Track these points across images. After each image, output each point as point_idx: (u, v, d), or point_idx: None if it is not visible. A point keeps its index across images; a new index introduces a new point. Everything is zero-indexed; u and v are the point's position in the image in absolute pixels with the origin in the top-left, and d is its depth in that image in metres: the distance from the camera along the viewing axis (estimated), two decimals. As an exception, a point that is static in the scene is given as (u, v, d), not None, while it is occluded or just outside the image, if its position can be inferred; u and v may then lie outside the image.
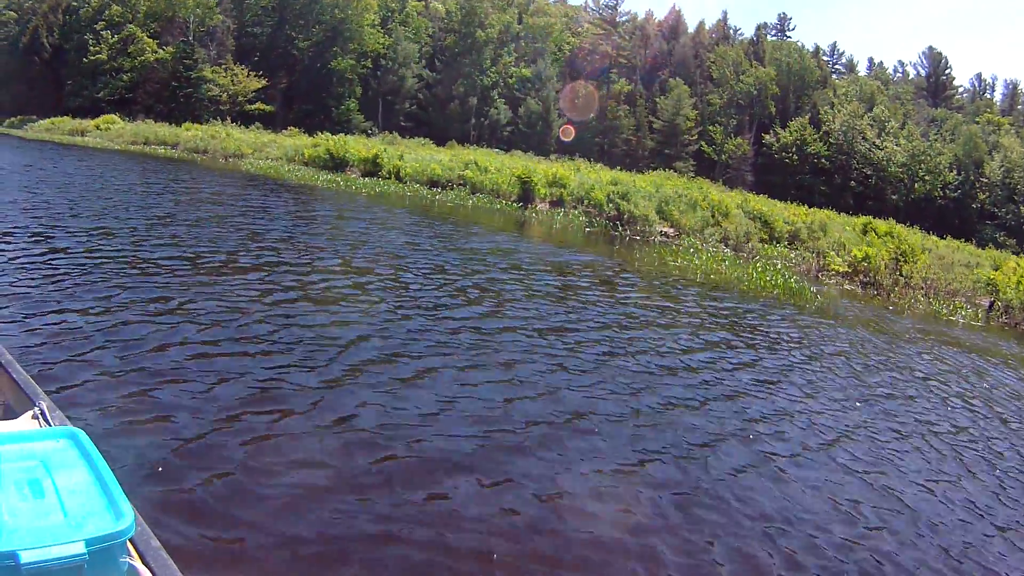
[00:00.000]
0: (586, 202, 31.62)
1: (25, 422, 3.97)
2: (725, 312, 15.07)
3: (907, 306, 20.48)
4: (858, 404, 9.86)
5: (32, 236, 13.98)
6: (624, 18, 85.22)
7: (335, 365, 8.26)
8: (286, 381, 7.58)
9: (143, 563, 2.99)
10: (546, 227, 27.49)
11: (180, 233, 16.20)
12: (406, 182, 37.04)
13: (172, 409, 6.54)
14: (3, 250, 12.27)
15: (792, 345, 12.82)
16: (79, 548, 2.57)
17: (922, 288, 22.77)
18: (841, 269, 23.63)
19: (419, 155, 43.75)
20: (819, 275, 23.38)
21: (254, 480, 5.55)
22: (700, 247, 25.33)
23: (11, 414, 4.31)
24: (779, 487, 6.77)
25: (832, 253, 24.87)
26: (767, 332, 13.63)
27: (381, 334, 9.78)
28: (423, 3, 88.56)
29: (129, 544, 2.96)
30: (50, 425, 3.84)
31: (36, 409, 4.03)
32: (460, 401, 7.68)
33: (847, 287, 22.42)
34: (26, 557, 2.48)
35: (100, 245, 13.72)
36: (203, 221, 18.75)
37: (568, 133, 73.36)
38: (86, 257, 12.44)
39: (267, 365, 7.97)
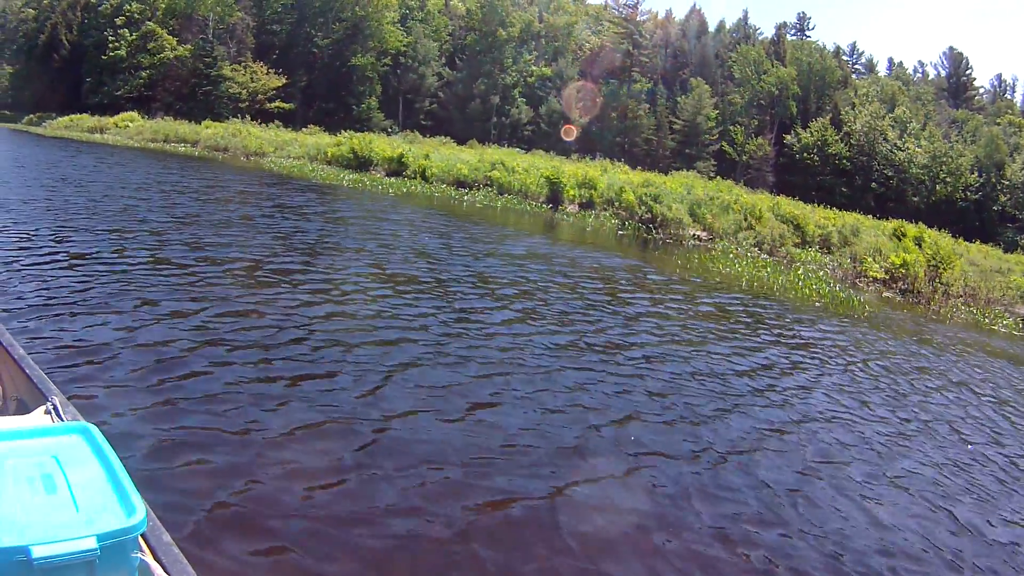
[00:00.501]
0: (616, 204, 31.42)
1: (37, 417, 3.96)
2: (775, 322, 14.89)
3: (949, 315, 20.26)
4: (919, 421, 9.73)
5: (53, 237, 13.91)
6: (644, 17, 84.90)
7: (372, 376, 8.08)
8: (319, 391, 7.46)
9: (155, 559, 2.98)
10: (578, 230, 27.37)
11: (206, 235, 16.16)
12: (432, 182, 36.93)
13: (195, 419, 6.45)
14: (24, 252, 12.25)
15: (847, 358, 12.64)
16: (91, 543, 2.58)
17: (961, 296, 22.55)
18: (879, 276, 23.42)
19: (443, 154, 43.61)
20: (856, 281, 23.15)
21: (281, 493, 5.45)
22: (735, 251, 25.18)
23: (23, 409, 4.31)
24: (843, 510, 6.64)
25: (869, 259, 24.61)
26: (820, 344, 13.45)
27: (423, 345, 9.57)
28: (443, 1, 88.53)
29: (141, 540, 2.98)
30: (63, 420, 3.85)
31: (48, 404, 4.01)
32: (511, 420, 7.47)
33: (885, 294, 22.18)
34: (37, 552, 2.48)
35: (123, 247, 13.68)
36: (230, 222, 18.75)
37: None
38: (108, 260, 12.38)
39: (298, 374, 7.84)
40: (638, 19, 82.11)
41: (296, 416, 6.76)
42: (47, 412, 3.96)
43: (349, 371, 8.13)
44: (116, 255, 12.81)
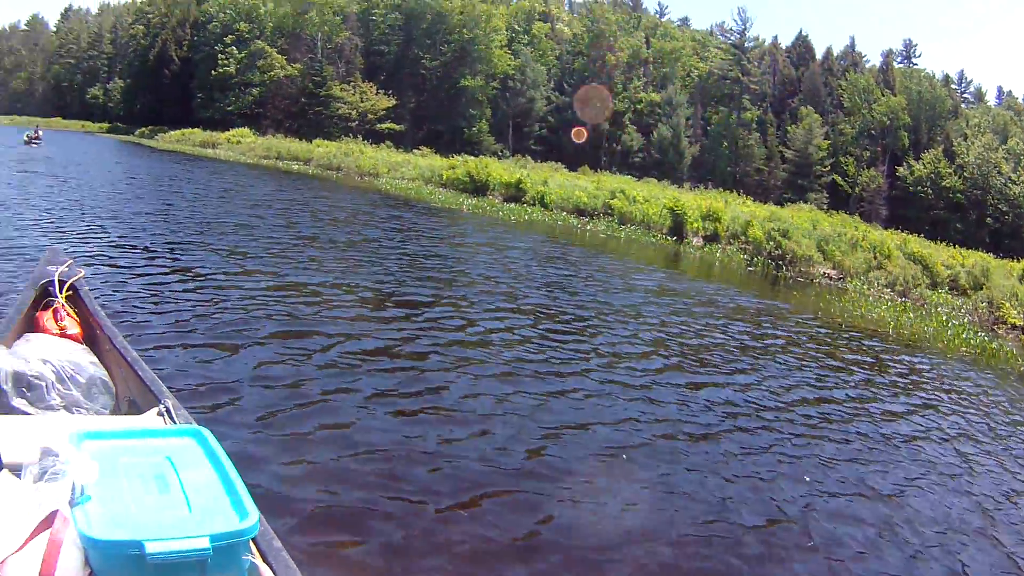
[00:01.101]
0: (742, 238, 31.35)
1: (150, 419, 4.08)
2: (932, 375, 14.35)
3: (1098, 367, 19.65)
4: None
5: (171, 253, 14.29)
6: (751, 43, 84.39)
7: (516, 421, 7.72)
8: (463, 440, 7.10)
9: (264, 563, 3.04)
10: (705, 264, 27.54)
11: (329, 257, 16.45)
12: (551, 209, 37.36)
13: (324, 456, 6.23)
14: (142, 268, 12.46)
15: (1013, 418, 12.11)
16: (204, 543, 2.64)
17: (1109, 346, 21.86)
18: (1018, 322, 22.84)
19: (559, 181, 44.13)
20: (994, 328, 22.60)
21: (419, 542, 5.22)
22: (867, 292, 24.94)
23: (136, 410, 4.41)
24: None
25: (1007, 304, 23.98)
26: (983, 403, 12.66)
27: (572, 386, 9.22)
28: (549, 25, 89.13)
29: (251, 544, 3.03)
30: (175, 423, 3.99)
31: (161, 407, 4.16)
32: (674, 479, 7.00)
33: (1026, 343, 21.56)
34: (151, 548, 2.55)
35: (244, 266, 13.87)
36: (352, 244, 19.22)
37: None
38: (229, 279, 12.49)
39: (435, 415, 7.58)
40: (745, 46, 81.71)
41: (433, 463, 6.47)
42: (160, 414, 4.11)
43: (498, 419, 7.73)
44: (237, 274, 13.03)
